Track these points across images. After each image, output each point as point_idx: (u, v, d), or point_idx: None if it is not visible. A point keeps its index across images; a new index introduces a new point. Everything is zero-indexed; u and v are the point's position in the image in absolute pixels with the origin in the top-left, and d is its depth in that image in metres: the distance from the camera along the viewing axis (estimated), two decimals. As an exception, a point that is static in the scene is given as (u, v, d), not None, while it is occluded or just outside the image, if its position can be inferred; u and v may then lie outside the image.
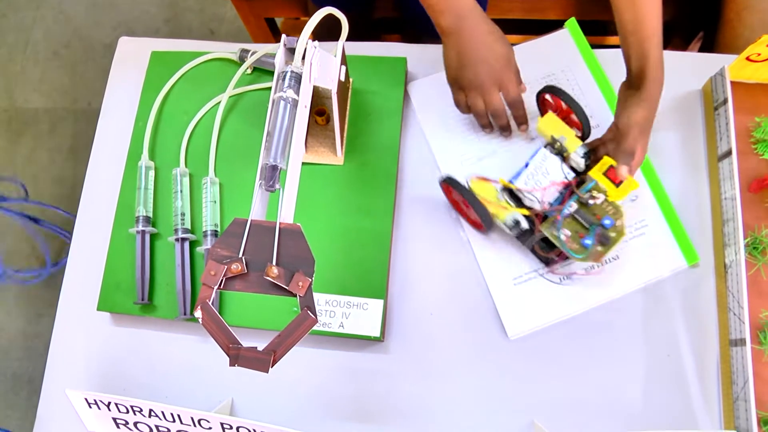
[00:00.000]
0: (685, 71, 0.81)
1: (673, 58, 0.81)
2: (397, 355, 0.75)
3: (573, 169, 0.71)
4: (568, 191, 0.70)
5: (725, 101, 0.75)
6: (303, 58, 0.62)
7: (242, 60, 0.85)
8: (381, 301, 0.73)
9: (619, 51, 0.75)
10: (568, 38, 0.84)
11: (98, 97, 0.88)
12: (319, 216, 0.77)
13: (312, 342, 0.75)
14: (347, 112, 0.81)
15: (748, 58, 0.73)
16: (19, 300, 1.64)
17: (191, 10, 1.87)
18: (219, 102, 0.83)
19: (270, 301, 0.74)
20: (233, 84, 0.83)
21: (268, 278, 0.54)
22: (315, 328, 0.71)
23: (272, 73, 0.85)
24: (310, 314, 0.54)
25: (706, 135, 0.79)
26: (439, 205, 0.79)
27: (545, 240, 0.71)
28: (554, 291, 0.73)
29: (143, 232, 0.78)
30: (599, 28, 1.56)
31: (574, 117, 0.73)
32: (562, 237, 0.68)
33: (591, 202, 0.69)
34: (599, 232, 0.68)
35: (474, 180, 0.72)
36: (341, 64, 0.71)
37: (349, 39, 0.69)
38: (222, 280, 0.55)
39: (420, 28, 1.12)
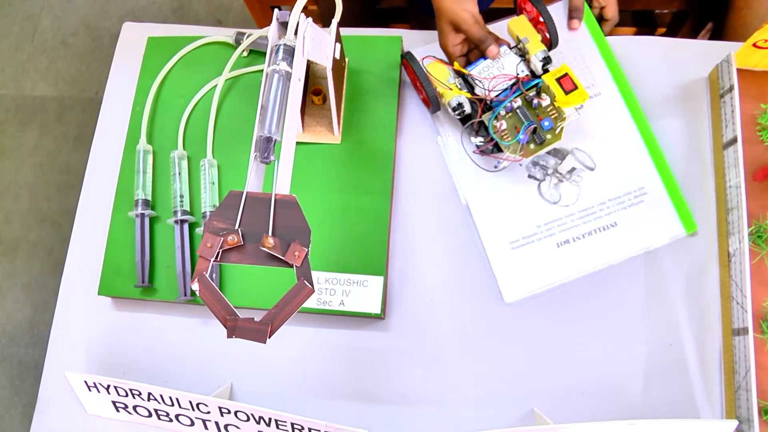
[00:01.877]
0: (691, 59, 0.80)
1: (679, 45, 0.82)
2: (398, 333, 0.74)
3: (532, 72, 0.74)
4: (515, 86, 0.72)
5: (731, 88, 0.74)
6: (296, 32, 0.61)
7: (238, 43, 0.84)
8: (381, 278, 0.73)
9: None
10: None
11: (105, 87, 0.88)
12: (317, 194, 0.77)
13: (312, 321, 0.75)
14: (344, 92, 0.81)
15: (755, 45, 0.71)
16: (27, 288, 1.65)
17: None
18: (216, 85, 0.82)
19: (270, 280, 0.75)
20: (229, 67, 0.82)
21: (264, 249, 0.54)
22: (316, 306, 0.72)
23: (269, 54, 0.84)
24: (307, 284, 0.53)
25: (712, 123, 0.78)
26: (436, 180, 0.78)
27: (486, 129, 0.73)
28: (552, 254, 0.73)
29: (142, 215, 0.77)
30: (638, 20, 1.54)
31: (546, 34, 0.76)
32: (497, 125, 0.71)
33: (536, 101, 0.71)
34: (532, 129, 0.70)
35: (432, 61, 0.75)
36: (336, 41, 0.70)
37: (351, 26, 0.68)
38: (219, 252, 0.54)
39: (426, 17, 1.11)
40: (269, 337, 0.53)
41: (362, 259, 0.74)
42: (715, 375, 0.70)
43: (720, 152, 0.75)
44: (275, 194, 0.55)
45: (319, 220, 0.76)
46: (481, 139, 0.74)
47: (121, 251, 0.78)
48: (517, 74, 0.73)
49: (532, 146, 0.72)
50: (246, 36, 0.83)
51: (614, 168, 0.75)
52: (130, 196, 0.79)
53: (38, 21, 1.91)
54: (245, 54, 0.84)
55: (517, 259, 0.73)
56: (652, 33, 1.45)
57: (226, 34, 0.86)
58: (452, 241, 0.76)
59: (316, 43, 0.64)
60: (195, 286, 0.54)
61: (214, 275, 0.74)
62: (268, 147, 0.58)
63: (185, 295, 0.75)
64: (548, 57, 0.73)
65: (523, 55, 0.75)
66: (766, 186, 0.72)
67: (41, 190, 1.72)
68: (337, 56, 0.71)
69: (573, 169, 0.75)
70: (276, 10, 0.62)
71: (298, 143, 0.77)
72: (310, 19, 0.63)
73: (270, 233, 0.55)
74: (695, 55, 0.81)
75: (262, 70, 0.83)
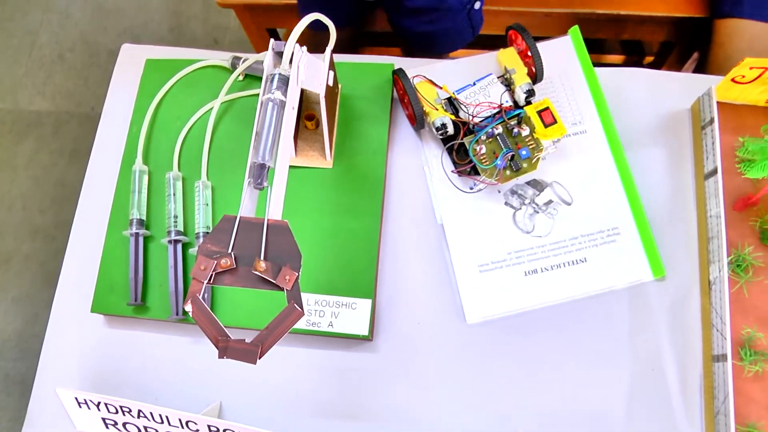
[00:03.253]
0: (675, 90, 0.83)
1: (664, 77, 0.84)
2: (385, 354, 0.76)
3: (515, 102, 0.77)
4: (498, 114, 0.75)
5: (712, 121, 0.76)
6: (291, 61, 0.63)
7: (234, 67, 0.86)
8: (369, 301, 0.75)
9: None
10: (569, 45, 0.85)
11: (101, 102, 0.89)
12: (309, 218, 0.79)
13: (302, 342, 0.76)
14: (336, 117, 0.83)
15: (733, 80, 0.74)
16: (17, 300, 1.65)
17: (196, 18, 1.90)
18: (211, 108, 0.84)
19: (261, 302, 0.76)
20: (225, 90, 0.84)
21: (256, 272, 0.55)
22: (305, 327, 0.74)
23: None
24: (297, 307, 0.55)
25: (694, 154, 0.80)
26: (424, 206, 0.80)
27: (465, 151, 0.76)
28: (518, 282, 0.74)
29: (137, 234, 0.79)
30: (597, 46, 1.59)
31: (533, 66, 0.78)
32: (477, 149, 0.74)
33: (516, 130, 0.74)
34: (510, 156, 0.73)
35: (421, 80, 0.79)
36: (329, 69, 0.72)
37: (345, 52, 0.70)
38: (212, 275, 0.56)
39: (412, 43, 1.14)
40: (259, 358, 0.54)
41: (351, 282, 0.76)
42: (696, 400, 0.71)
43: (701, 182, 0.78)
44: (268, 219, 0.57)
45: (309, 243, 0.77)
46: (465, 169, 0.77)
47: (115, 269, 0.80)
48: (501, 103, 0.76)
49: (508, 172, 0.74)
50: (242, 60, 0.85)
51: (590, 205, 0.76)
52: (126, 215, 0.81)
53: (37, 36, 1.93)
54: (241, 78, 0.86)
55: (484, 283, 0.74)
56: (640, 61, 1.49)
57: (222, 58, 0.88)
58: (434, 261, 0.78)
59: (311, 72, 0.66)
60: (188, 307, 0.56)
61: (206, 295, 0.75)
62: (261, 173, 0.60)
63: (177, 314, 0.76)
64: (532, 89, 0.76)
65: (508, 85, 0.78)
66: (746, 216, 0.74)
67: (35, 202, 1.73)
68: (330, 83, 0.73)
69: (550, 201, 0.76)
70: (272, 40, 0.64)
71: (290, 167, 0.79)
72: (304, 48, 0.65)
73: (262, 257, 0.56)
74: (679, 87, 0.83)
75: (257, 95, 0.85)
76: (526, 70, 0.77)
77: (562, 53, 0.84)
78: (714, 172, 0.75)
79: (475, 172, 0.76)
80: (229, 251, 0.57)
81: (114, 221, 0.82)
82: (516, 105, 0.77)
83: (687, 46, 1.25)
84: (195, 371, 0.77)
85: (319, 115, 0.73)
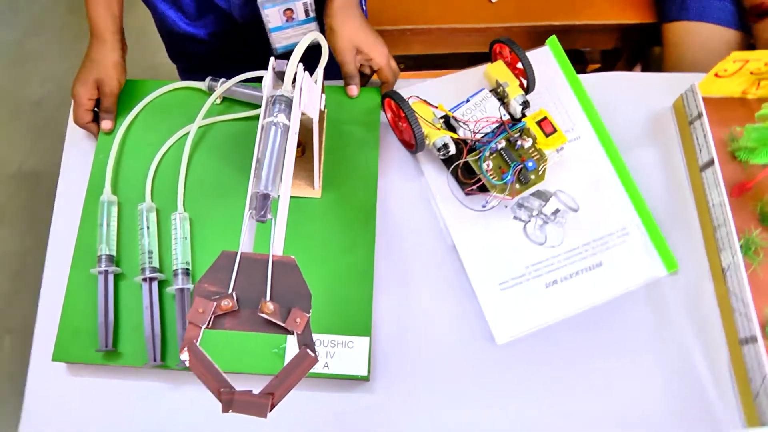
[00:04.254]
0: (654, 90, 0.86)
1: (642, 78, 0.90)
2: (386, 393, 0.71)
3: (510, 115, 0.76)
4: (500, 129, 0.74)
5: (700, 115, 0.79)
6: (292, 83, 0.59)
7: (211, 90, 0.81)
8: (367, 339, 0.70)
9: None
10: (549, 55, 0.85)
11: (32, 158, 0.82)
12: (298, 251, 0.72)
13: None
14: (323, 144, 0.78)
15: (716, 75, 0.77)
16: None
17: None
18: (187, 133, 0.78)
19: (249, 343, 0.70)
20: (202, 114, 0.79)
21: (262, 315, 0.50)
22: None
23: (243, 103, 0.82)
24: (310, 353, 0.50)
25: (684, 148, 0.82)
26: (419, 222, 0.77)
27: (469, 169, 0.74)
28: (541, 295, 0.73)
29: (106, 271, 0.72)
30: (575, 57, 1.63)
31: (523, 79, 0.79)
32: (484, 167, 0.71)
33: (519, 143, 0.73)
34: (519, 169, 0.72)
35: (416, 101, 0.76)
36: (321, 92, 0.68)
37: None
38: (211, 318, 0.50)
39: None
40: (270, 411, 0.49)
41: (346, 320, 0.71)
42: (728, 388, 0.70)
43: (697, 175, 0.79)
44: (273, 255, 0.52)
45: (300, 277, 0.72)
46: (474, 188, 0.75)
47: (81, 312, 0.72)
48: (501, 117, 0.75)
49: (517, 186, 0.73)
50: (220, 83, 0.80)
51: (596, 209, 0.77)
52: (92, 252, 0.73)
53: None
54: (218, 101, 0.81)
55: (507, 300, 0.73)
56: (584, 70, 1.53)
57: (198, 81, 0.82)
58: (439, 286, 0.75)
59: (308, 95, 0.62)
60: (184, 356, 0.50)
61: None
62: (265, 204, 0.55)
63: (155, 360, 0.69)
64: (527, 101, 0.76)
65: (501, 98, 0.77)
66: (744, 201, 0.76)
67: None
68: (323, 107, 0.69)
69: (557, 210, 0.76)
70: (272, 59, 0.59)
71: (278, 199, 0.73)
72: (304, 69, 0.61)
73: (268, 298, 0.51)
74: (657, 87, 0.86)
75: (236, 119, 0.80)
76: (517, 82, 0.77)
77: (543, 64, 0.84)
78: (710, 163, 0.76)
79: (481, 189, 0.74)
80: (230, 291, 0.51)
81: (78, 258, 0.74)
82: (512, 118, 0.76)
83: (634, 51, 1.33)
84: (176, 422, 0.70)
85: (310, 142, 0.69)
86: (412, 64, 1.36)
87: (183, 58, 1.08)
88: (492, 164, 0.72)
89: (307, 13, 0.85)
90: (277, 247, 0.53)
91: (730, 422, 0.69)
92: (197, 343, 0.50)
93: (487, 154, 0.72)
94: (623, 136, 0.82)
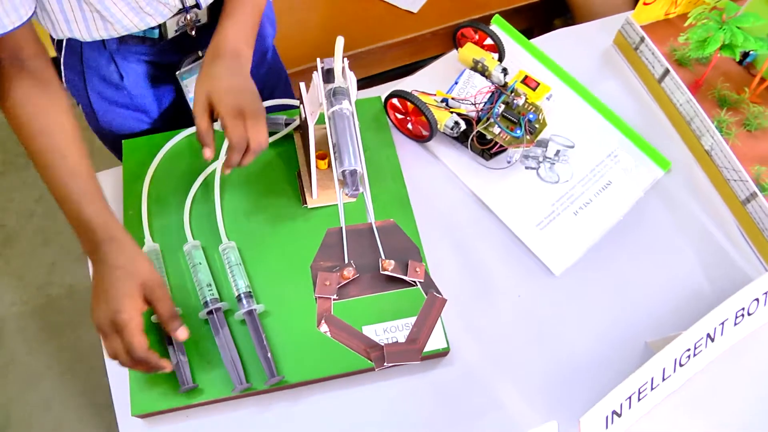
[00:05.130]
0: (589, 37, 1.01)
1: (579, 29, 1.04)
2: (463, 362, 0.72)
3: (496, 84, 0.85)
4: (496, 95, 0.83)
5: (643, 39, 0.92)
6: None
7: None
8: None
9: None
10: (500, 32, 0.93)
11: None
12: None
13: (369, 378, 0.68)
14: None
15: (644, 3, 0.91)
16: None
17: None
18: (213, 170, 0.81)
19: (326, 347, 0.70)
20: (225, 148, 0.81)
21: (384, 272, 0.53)
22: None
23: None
24: (437, 295, 0.53)
25: (637, 72, 0.96)
26: (457, 205, 0.84)
27: (481, 137, 0.83)
28: (573, 223, 0.83)
29: (168, 315, 0.72)
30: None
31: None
32: (496, 130, 0.81)
33: (516, 101, 0.82)
34: (525, 123, 0.81)
35: (417, 93, 0.83)
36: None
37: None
38: (337, 288, 0.53)
39: None
40: (420, 355, 0.52)
41: (410, 302, 0.74)
42: (744, 246, 0.83)
43: (657, 87, 0.92)
44: (375, 221, 0.56)
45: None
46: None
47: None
48: (495, 83, 0.85)
49: (528, 136, 0.82)
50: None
51: (588, 140, 0.88)
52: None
53: None
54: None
55: (548, 236, 0.82)
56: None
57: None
58: (484, 244, 0.81)
59: (351, 86, 0.67)
60: (324, 328, 0.52)
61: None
62: (355, 179, 0.59)
63: (241, 383, 0.69)
64: (505, 68, 0.85)
65: (483, 72, 0.87)
66: (702, 95, 0.90)
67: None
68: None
69: (558, 151, 0.86)
70: (318, 58, 0.65)
71: (316, 209, 0.76)
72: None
73: (383, 257, 0.55)
74: (593, 33, 1.01)
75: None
76: (491, 55, 0.87)
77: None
78: (666, 72, 0.90)
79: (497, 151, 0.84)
80: (347, 261, 0.54)
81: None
82: (500, 85, 0.86)
83: (541, 26, 1.49)
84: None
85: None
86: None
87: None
88: (501, 126, 0.81)
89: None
90: (372, 215, 0.57)
91: (755, 270, 0.81)
92: (331, 314, 0.53)
93: (494, 119, 0.81)
94: (581, 79, 0.93)
